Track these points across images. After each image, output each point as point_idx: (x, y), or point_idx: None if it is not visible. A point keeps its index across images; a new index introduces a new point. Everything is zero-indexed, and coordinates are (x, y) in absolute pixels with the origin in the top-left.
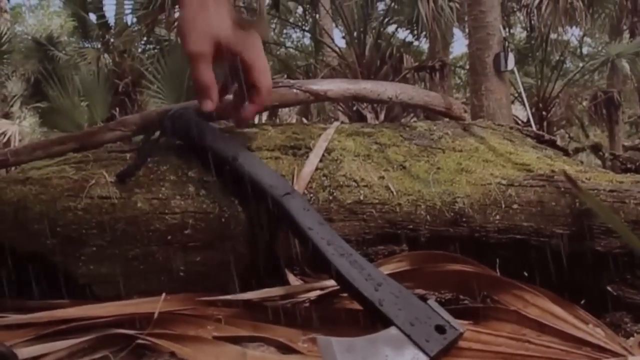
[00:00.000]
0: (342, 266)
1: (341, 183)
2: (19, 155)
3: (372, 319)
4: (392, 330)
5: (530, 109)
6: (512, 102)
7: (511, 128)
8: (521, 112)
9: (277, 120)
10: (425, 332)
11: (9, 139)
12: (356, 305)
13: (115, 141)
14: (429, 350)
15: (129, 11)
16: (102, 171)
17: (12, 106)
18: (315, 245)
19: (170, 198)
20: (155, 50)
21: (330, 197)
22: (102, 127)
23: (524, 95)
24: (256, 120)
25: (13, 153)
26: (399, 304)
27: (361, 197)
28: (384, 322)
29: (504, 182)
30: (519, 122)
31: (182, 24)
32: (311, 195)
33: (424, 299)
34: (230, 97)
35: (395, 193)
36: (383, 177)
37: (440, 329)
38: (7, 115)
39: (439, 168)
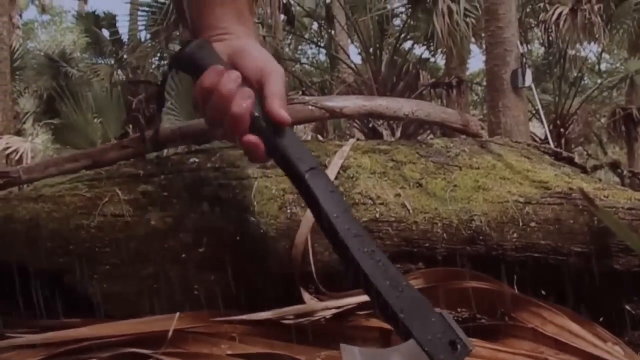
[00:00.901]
0: (367, 266)
1: (357, 201)
2: (31, 172)
3: (389, 324)
4: (412, 343)
5: (548, 126)
6: (530, 119)
7: (529, 145)
8: (539, 129)
9: None
10: (440, 348)
11: (21, 157)
12: (372, 324)
13: (129, 159)
14: None
15: (143, 27)
16: (115, 189)
17: (24, 123)
18: (340, 237)
19: (184, 216)
20: None
21: None
22: (115, 145)
23: (541, 112)
24: None
25: (26, 171)
26: (417, 314)
27: (377, 215)
28: (402, 331)
29: (521, 200)
30: (537, 139)
31: None
32: None
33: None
34: None
35: (411, 211)
36: (399, 195)
37: (453, 345)
38: (19, 133)
39: (456, 186)
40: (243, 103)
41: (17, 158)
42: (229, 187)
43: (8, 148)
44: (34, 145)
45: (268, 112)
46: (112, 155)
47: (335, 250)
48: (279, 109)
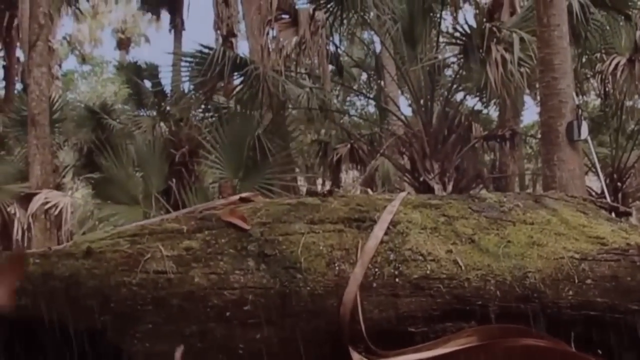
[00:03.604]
0: None
1: (407, 257)
2: None
3: None
4: None
5: (605, 179)
6: (586, 173)
7: (584, 200)
8: (595, 183)
9: (341, 192)
10: None
11: (60, 212)
12: None
13: None
14: None
15: (186, 78)
16: (158, 245)
17: (64, 177)
18: None
19: (229, 273)
20: (213, 119)
21: (396, 272)
22: None
23: (598, 165)
24: (319, 190)
25: None
26: None
27: (428, 272)
28: None
29: (577, 256)
30: (593, 193)
31: None
32: (376, 269)
33: None
34: None
35: (463, 267)
36: (451, 251)
37: None
38: (58, 187)
39: (509, 241)
40: None
41: (56, 213)
42: (274, 243)
43: (47, 202)
44: (73, 199)
45: None
46: None
47: None
48: None
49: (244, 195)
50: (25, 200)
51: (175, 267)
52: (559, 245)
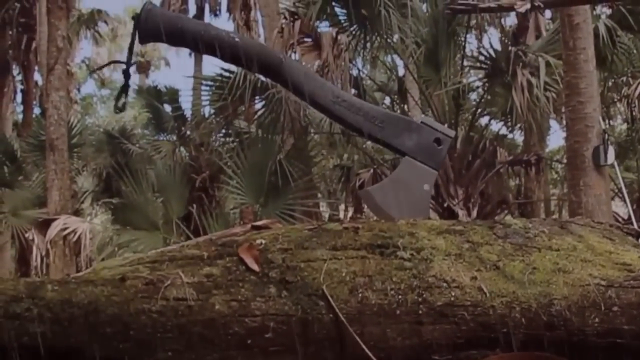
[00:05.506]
0: (348, 117)
1: (431, 284)
2: None
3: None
4: (406, 159)
5: (632, 205)
6: (612, 199)
7: (611, 226)
8: (621, 208)
9: (364, 218)
10: (429, 150)
11: (79, 238)
12: None
13: None
14: (435, 164)
15: (207, 102)
16: (178, 271)
17: (82, 202)
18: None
19: (250, 300)
20: (234, 143)
21: (420, 299)
22: None
23: (624, 191)
24: (341, 216)
25: None
26: (402, 133)
27: (452, 299)
28: (398, 152)
29: (603, 283)
30: (620, 219)
31: None
32: (400, 296)
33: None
34: None
35: (488, 294)
36: (475, 278)
37: (437, 141)
38: (77, 212)
39: (534, 268)
40: None
41: (74, 239)
42: (296, 270)
43: (65, 228)
44: (92, 225)
45: None
46: None
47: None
48: None
49: (257, 223)
50: (43, 226)
51: (195, 294)
52: (585, 272)
